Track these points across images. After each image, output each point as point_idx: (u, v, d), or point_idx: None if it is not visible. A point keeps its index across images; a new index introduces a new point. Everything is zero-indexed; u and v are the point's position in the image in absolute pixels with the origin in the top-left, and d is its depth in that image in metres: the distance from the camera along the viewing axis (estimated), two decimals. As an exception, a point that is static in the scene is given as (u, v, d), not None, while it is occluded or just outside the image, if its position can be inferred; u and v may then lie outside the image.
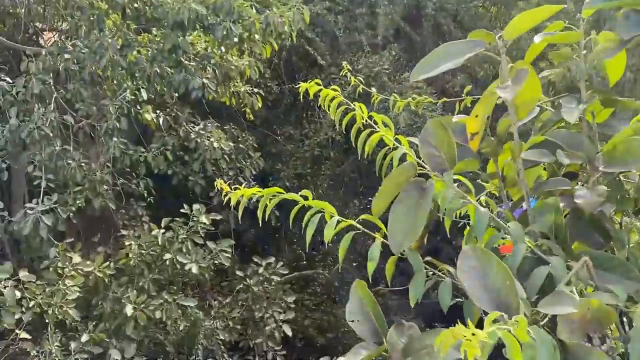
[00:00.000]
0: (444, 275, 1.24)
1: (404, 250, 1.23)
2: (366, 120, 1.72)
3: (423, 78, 1.25)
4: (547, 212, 1.18)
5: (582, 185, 1.40)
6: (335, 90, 1.83)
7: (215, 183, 1.55)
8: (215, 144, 7.09)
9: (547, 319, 0.95)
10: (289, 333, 7.31)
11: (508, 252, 1.41)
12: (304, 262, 12.56)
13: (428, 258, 1.31)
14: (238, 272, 7.94)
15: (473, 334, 0.70)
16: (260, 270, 7.82)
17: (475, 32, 1.31)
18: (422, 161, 1.30)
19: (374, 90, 2.84)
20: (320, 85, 1.89)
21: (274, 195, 1.38)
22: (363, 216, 1.30)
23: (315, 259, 12.60)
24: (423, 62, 1.28)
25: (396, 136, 1.57)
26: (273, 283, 7.78)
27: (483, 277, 0.97)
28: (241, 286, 7.82)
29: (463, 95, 2.48)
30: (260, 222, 1.43)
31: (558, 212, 1.17)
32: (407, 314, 13.42)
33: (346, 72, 3.14)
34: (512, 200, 1.56)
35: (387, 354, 1.17)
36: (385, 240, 1.27)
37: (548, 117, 1.63)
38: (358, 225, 1.31)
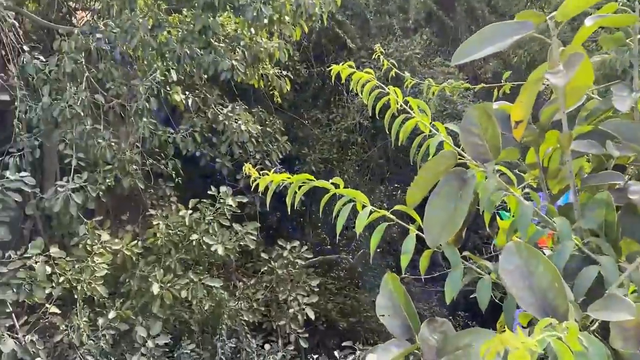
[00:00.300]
0: (481, 271, 1.17)
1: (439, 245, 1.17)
2: (401, 106, 1.65)
3: (466, 61, 1.17)
4: (597, 208, 1.10)
5: (631, 179, 1.31)
6: (368, 73, 1.76)
7: (243, 167, 1.50)
8: (243, 127, 7.08)
9: (596, 324, 0.89)
10: (312, 316, 7.33)
11: (543, 246, 1.34)
12: (328, 247, 12.56)
13: (465, 253, 1.24)
14: (263, 255, 7.96)
15: (522, 342, 0.64)
16: (285, 253, 7.82)
17: (524, 13, 1.22)
18: (461, 150, 1.23)
19: (407, 74, 2.76)
20: (352, 67, 1.82)
21: (304, 182, 1.32)
22: (397, 207, 1.24)
23: (339, 244, 12.59)
24: (466, 44, 1.20)
25: (433, 122, 1.50)
26: (297, 266, 7.79)
27: (528, 277, 0.91)
28: (265, 268, 7.84)
29: (500, 81, 2.38)
30: (288, 208, 1.38)
31: (610, 208, 1.09)
32: (430, 301, 13.36)
33: (378, 55, 3.06)
34: (551, 192, 1.48)
35: (419, 352, 1.11)
36: (420, 233, 1.21)
37: (595, 105, 1.53)
38: (392, 216, 1.25)
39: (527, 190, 1.29)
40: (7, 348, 5.23)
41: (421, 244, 1.27)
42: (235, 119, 7.20)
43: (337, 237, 13.15)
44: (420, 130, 1.59)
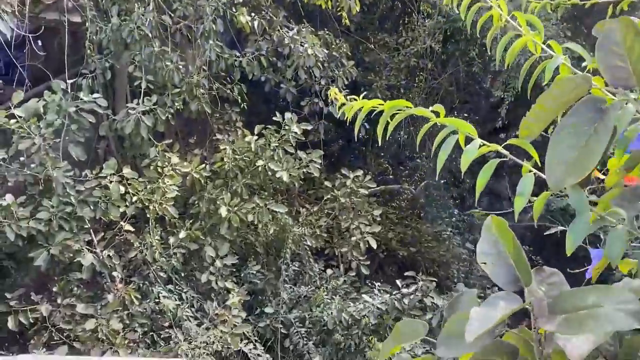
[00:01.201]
0: (612, 221, 1.01)
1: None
2: (506, 22, 1.43)
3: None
4: None
5: None
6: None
7: (329, 92, 1.36)
8: (310, 51, 6.84)
9: None
10: (374, 245, 7.33)
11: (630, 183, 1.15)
12: (390, 176, 12.43)
13: (592, 197, 1.07)
14: (326, 183, 7.95)
15: None
16: (348, 182, 7.76)
17: None
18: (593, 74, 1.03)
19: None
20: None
21: (399, 110, 1.17)
22: (511, 141, 1.07)
23: (402, 174, 12.44)
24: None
25: (548, 42, 1.28)
26: (359, 196, 7.73)
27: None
28: (329, 197, 7.85)
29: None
30: (379, 138, 1.24)
31: None
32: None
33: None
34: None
35: (529, 308, 0.98)
36: (539, 173, 1.04)
37: None
38: (505, 152, 1.08)
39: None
40: (86, 261, 5.57)
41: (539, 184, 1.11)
42: (302, 42, 6.96)
43: (400, 167, 12.97)
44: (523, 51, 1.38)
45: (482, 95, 11.68)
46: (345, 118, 1.32)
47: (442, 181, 12.74)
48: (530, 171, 1.04)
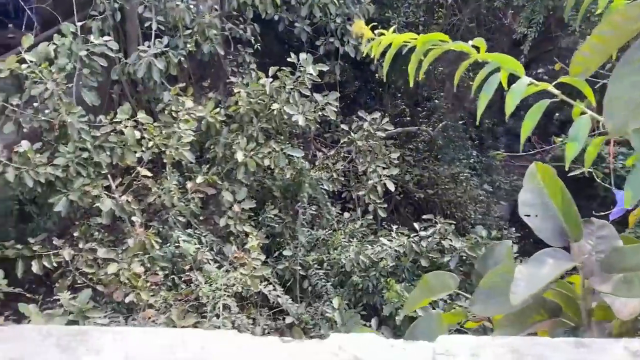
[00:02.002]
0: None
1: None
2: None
3: None
4: None
5: None
6: None
7: (352, 27, 1.23)
8: (325, -14, 6.53)
9: None
10: (392, 188, 7.27)
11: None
12: (407, 118, 12.22)
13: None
14: (343, 126, 7.81)
15: None
16: (365, 125, 7.62)
17: None
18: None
19: None
20: None
21: (434, 45, 1.05)
22: (563, 78, 0.96)
23: (419, 115, 12.21)
24: None
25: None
26: (376, 138, 7.60)
27: None
28: (345, 140, 7.74)
29: None
30: (411, 80, 1.13)
31: None
32: (511, 175, 13.02)
33: None
34: None
35: (579, 266, 0.90)
36: (595, 115, 0.93)
37: None
38: (555, 91, 0.97)
39: None
40: (105, 206, 5.60)
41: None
42: (316, -22, 6.64)
43: (417, 107, 12.71)
44: None
45: (503, 32, 11.21)
46: (372, 56, 1.20)
47: (461, 122, 12.51)
48: (583, 113, 0.93)
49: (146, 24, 6.15)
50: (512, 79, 0.95)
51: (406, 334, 1.19)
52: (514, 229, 9.60)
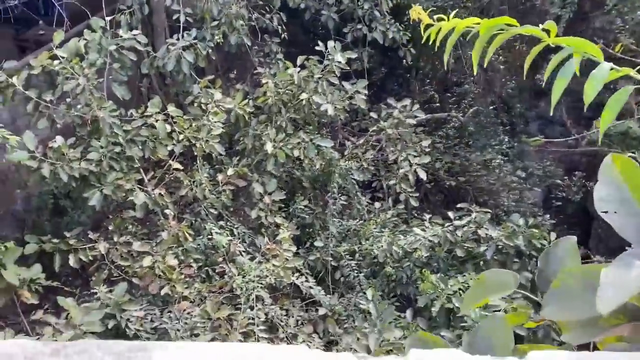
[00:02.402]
0: None
1: None
2: None
3: None
4: None
5: None
6: None
7: (411, 12, 1.16)
8: (353, -28, 6.40)
9: None
10: (423, 177, 7.15)
11: None
12: (437, 104, 12.02)
13: None
14: (372, 114, 7.70)
15: None
16: (395, 112, 7.49)
17: None
18: None
19: None
20: None
21: (500, 30, 0.97)
22: (649, 63, 0.87)
23: (448, 101, 11.98)
24: None
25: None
26: (406, 126, 7.47)
27: None
28: (374, 128, 7.63)
29: None
30: (475, 67, 1.04)
31: None
32: (545, 160, 12.72)
33: None
34: None
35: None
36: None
37: None
38: (638, 76, 0.88)
39: None
40: (139, 200, 5.64)
41: None
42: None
43: (446, 93, 12.49)
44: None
45: (535, 13, 10.87)
46: (431, 42, 1.12)
47: (492, 107, 12.23)
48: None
49: (174, 17, 6.13)
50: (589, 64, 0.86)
51: (467, 338, 1.12)
52: (548, 215, 9.38)
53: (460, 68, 11.54)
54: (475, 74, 9.95)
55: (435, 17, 1.17)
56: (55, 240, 5.70)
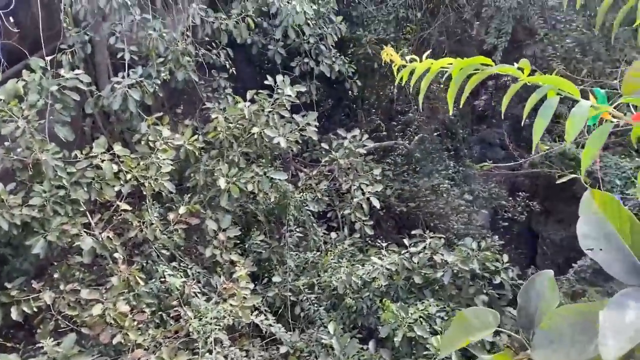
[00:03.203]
0: None
1: None
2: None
3: None
4: None
5: None
6: None
7: (382, 53, 1.16)
8: (298, 8, 6.50)
9: None
10: (377, 205, 7.22)
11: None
12: (383, 133, 12.27)
13: None
14: (323, 145, 7.75)
15: None
16: (345, 143, 7.57)
17: None
18: None
19: None
20: None
21: (476, 70, 0.98)
22: (623, 99, 0.89)
23: (394, 129, 12.26)
24: None
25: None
26: (356, 155, 7.55)
27: None
28: (327, 158, 7.66)
29: None
30: (450, 109, 1.05)
31: None
32: (489, 183, 13.13)
33: None
34: None
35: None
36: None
37: None
38: (617, 113, 0.90)
39: None
40: (86, 245, 5.39)
41: None
42: (288, 0, 6.62)
43: (391, 122, 12.77)
44: None
45: (472, 43, 11.38)
46: (404, 83, 1.12)
47: (436, 134, 12.60)
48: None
49: (118, 55, 6.00)
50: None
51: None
52: (496, 237, 9.64)
53: (403, 97, 11.87)
54: (421, 107, 10.27)
55: (407, 58, 1.18)
56: (-5, 293, 5.33)
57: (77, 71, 5.68)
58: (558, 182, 5.12)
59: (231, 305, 5.54)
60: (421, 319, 5.20)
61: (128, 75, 5.78)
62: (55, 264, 5.88)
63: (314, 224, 7.04)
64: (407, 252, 6.08)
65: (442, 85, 12.63)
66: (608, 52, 9.72)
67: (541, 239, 12.82)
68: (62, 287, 5.46)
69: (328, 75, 8.14)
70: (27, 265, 6.46)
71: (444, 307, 5.43)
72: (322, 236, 7.12)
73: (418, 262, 5.89)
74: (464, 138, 14.04)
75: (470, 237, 7.33)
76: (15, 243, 6.17)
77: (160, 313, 5.52)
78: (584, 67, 9.30)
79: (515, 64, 1.00)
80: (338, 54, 8.35)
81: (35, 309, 5.30)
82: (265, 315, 5.81)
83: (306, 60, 7.93)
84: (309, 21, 6.92)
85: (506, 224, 12.17)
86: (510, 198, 12.18)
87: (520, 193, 12.23)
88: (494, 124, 16.01)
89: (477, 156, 15.21)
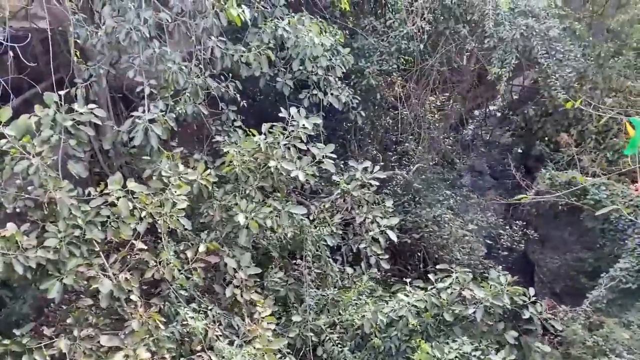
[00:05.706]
0: None
1: None
2: None
3: None
4: None
5: None
6: None
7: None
8: (316, 40, 6.42)
9: None
10: (394, 238, 7.03)
11: None
12: (381, 163, 12.24)
13: None
14: (334, 177, 7.60)
15: None
16: (357, 174, 7.42)
17: None
18: None
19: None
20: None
21: None
22: None
23: (390, 159, 12.21)
24: None
25: None
26: (369, 187, 7.39)
27: None
28: (339, 191, 7.50)
29: None
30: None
31: None
32: (486, 212, 13.12)
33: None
34: None
35: None
36: None
37: None
38: None
39: None
40: (105, 288, 5.09)
41: None
42: (308, 31, 6.50)
43: (387, 152, 12.70)
44: None
45: (474, 72, 11.52)
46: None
47: (432, 163, 12.59)
48: None
49: (138, 89, 5.80)
50: None
51: None
52: (501, 267, 9.54)
53: (400, 128, 11.86)
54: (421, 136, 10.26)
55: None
56: (5, 342, 4.95)
57: (91, 105, 5.45)
58: (597, 213, 5.02)
59: (255, 348, 5.28)
60: (457, 359, 5.01)
61: (149, 109, 5.57)
62: (58, 307, 5.54)
63: (330, 260, 6.84)
64: (433, 287, 5.91)
65: (436, 116, 12.70)
66: (604, 81, 9.91)
67: (538, 267, 12.81)
68: (75, 332, 5.12)
69: (337, 106, 8.05)
70: (26, 308, 6.12)
71: (478, 346, 5.26)
72: (337, 272, 6.92)
73: (446, 299, 5.71)
74: (459, 169, 14.12)
75: (468, 266, 7.16)
76: (11, 284, 5.85)
77: (181, 359, 5.21)
78: (581, 95, 9.43)
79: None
80: (344, 86, 8.29)
81: (48, 359, 4.94)
82: (288, 358, 5.55)
83: (314, 92, 7.82)
84: (325, 53, 6.83)
85: (505, 252, 12.13)
86: (508, 227, 12.16)
87: (517, 222, 12.23)
88: (484, 154, 16.18)
89: (469, 185, 15.29)
